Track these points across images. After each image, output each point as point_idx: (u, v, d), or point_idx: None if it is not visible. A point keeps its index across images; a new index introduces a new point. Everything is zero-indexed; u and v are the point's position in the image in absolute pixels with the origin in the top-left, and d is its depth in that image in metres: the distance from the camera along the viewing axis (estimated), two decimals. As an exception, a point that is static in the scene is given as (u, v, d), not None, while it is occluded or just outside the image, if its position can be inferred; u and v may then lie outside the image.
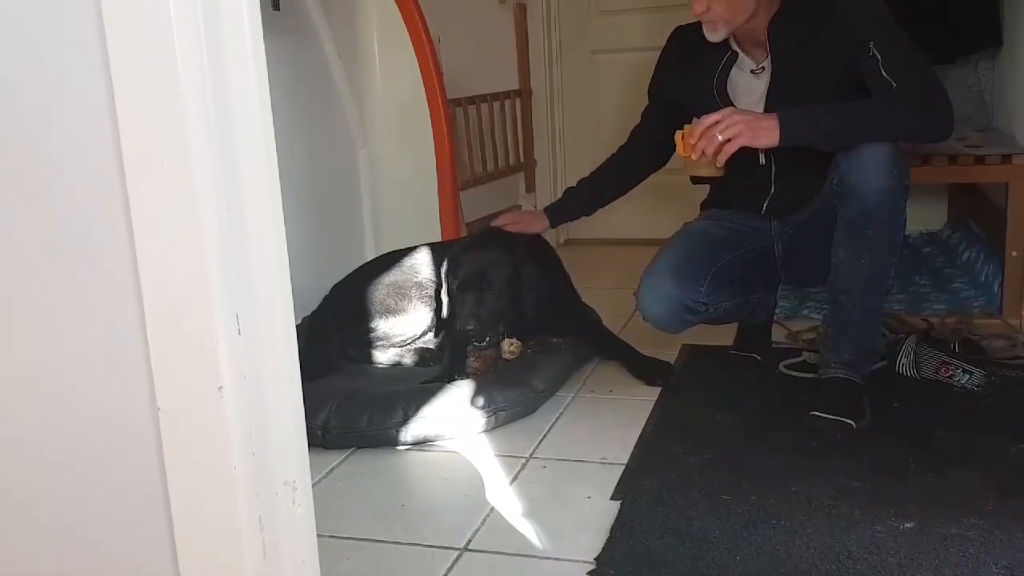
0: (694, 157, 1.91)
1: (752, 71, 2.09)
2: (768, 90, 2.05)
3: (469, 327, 2.19)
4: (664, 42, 2.33)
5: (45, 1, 1.04)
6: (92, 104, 1.04)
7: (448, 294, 2.32)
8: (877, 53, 1.88)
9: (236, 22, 1.00)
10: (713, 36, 2.03)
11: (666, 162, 2.33)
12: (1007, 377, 2.09)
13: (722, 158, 1.88)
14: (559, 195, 4.29)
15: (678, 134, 1.96)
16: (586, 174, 2.45)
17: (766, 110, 2.01)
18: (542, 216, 2.41)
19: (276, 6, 2.50)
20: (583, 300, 2.55)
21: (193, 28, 0.97)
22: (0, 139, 1.10)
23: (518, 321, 2.29)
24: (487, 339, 2.23)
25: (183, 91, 0.97)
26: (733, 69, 2.11)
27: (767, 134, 1.85)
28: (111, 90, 1.01)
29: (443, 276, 2.35)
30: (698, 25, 2.19)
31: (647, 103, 2.38)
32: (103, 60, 1.00)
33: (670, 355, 2.40)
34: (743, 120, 1.86)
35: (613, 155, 2.42)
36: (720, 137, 1.86)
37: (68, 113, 1.06)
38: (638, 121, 2.39)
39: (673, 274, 2.08)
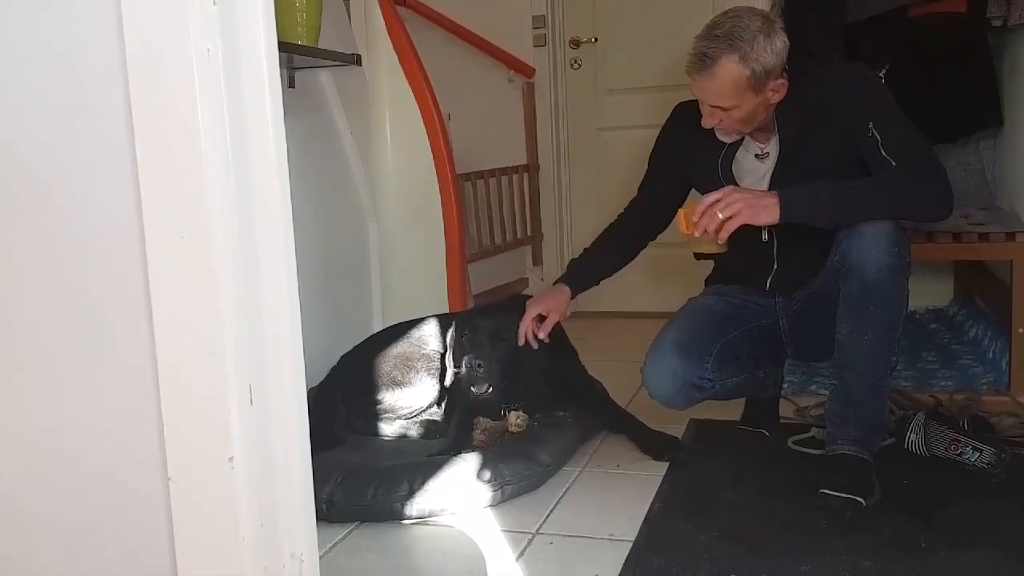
0: (696, 234, 1.94)
1: (757, 155, 2.12)
2: (773, 171, 2.08)
3: (481, 390, 2.18)
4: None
5: (75, 85, 1.08)
6: (116, 181, 1.07)
7: (452, 357, 2.32)
8: (877, 133, 1.91)
9: (258, 103, 1.04)
10: (725, 139, 2.08)
11: (663, 230, 2.35)
12: (1017, 455, 2.07)
13: (724, 235, 1.90)
14: (565, 268, 4.35)
15: (680, 212, 1.99)
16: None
17: (770, 189, 2.04)
18: (563, 290, 2.36)
19: (292, 84, 2.57)
20: (589, 374, 2.55)
21: (217, 108, 1.00)
22: (25, 212, 1.13)
23: (525, 392, 2.29)
24: (488, 388, 2.21)
25: (205, 167, 1.00)
26: (739, 151, 2.14)
27: (767, 212, 1.88)
28: (135, 166, 1.04)
29: (448, 341, 2.35)
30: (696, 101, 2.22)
31: (645, 174, 2.39)
32: (128, 137, 1.03)
33: (677, 429, 2.39)
34: (743, 198, 1.88)
35: (613, 227, 2.41)
36: (721, 215, 1.88)
37: (92, 188, 1.09)
38: (640, 187, 2.39)
39: (678, 351, 2.08)
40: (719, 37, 1.91)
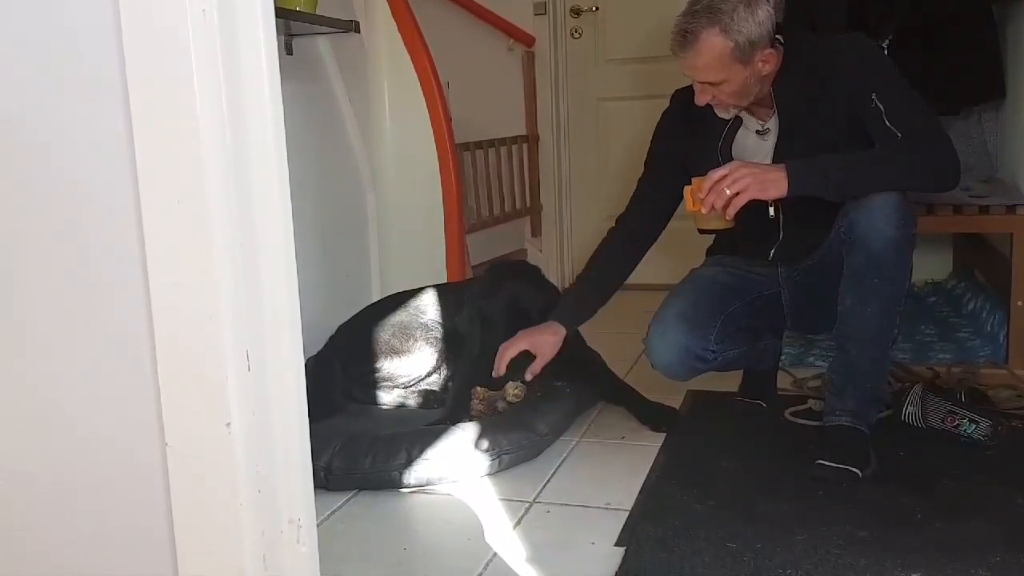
0: (704, 211, 1.92)
1: (758, 131, 2.09)
2: (775, 148, 2.05)
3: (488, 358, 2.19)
4: (666, 93, 2.32)
5: (69, 48, 1.07)
6: (111, 146, 1.06)
7: (454, 334, 2.33)
8: (880, 104, 1.90)
9: (255, 67, 1.02)
10: (722, 114, 2.05)
11: (660, 234, 2.27)
12: (1013, 427, 2.08)
13: (731, 211, 1.88)
14: (564, 238, 4.33)
15: (687, 188, 1.96)
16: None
17: (774, 162, 2.02)
18: (556, 330, 2.22)
19: (289, 51, 2.54)
20: (587, 344, 2.55)
21: (213, 72, 0.99)
22: (19, 178, 1.12)
23: (523, 363, 2.29)
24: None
25: (201, 131, 0.99)
26: (739, 131, 2.10)
27: (775, 186, 1.86)
28: (130, 131, 1.03)
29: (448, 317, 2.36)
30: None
31: (641, 177, 2.31)
32: (123, 101, 1.02)
33: (675, 400, 2.40)
34: (751, 173, 1.87)
35: (610, 243, 2.28)
36: (728, 191, 1.87)
37: (87, 153, 1.08)
38: (637, 185, 2.29)
39: (683, 322, 2.08)
40: (698, 12, 1.90)
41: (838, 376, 2.00)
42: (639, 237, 2.27)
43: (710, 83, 1.95)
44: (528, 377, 2.22)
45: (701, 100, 2.00)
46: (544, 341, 2.22)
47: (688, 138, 2.18)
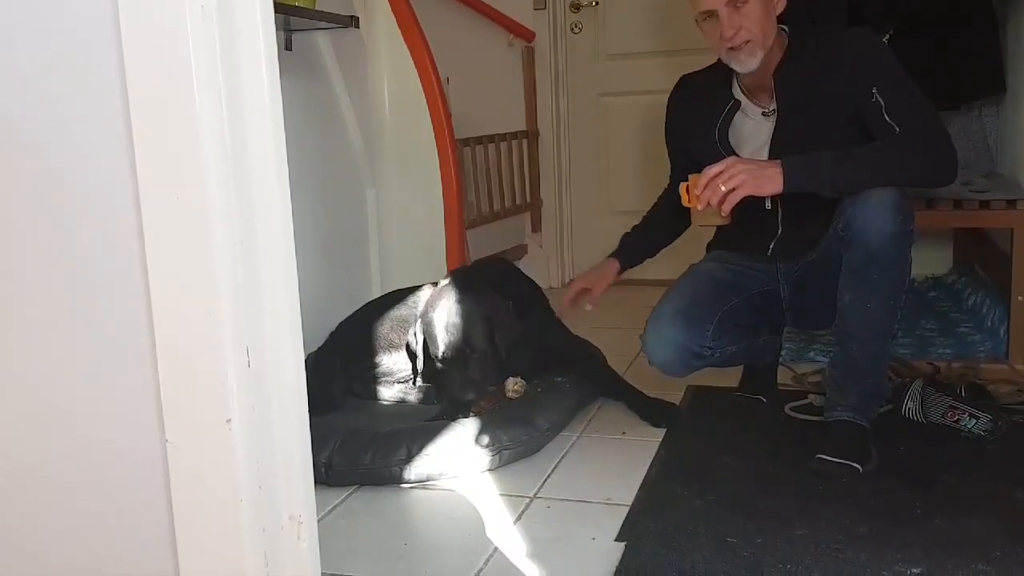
0: (699, 207, 1.93)
1: (764, 113, 2.09)
2: (773, 135, 2.06)
3: (468, 398, 2.18)
4: (667, 89, 2.34)
5: (69, 45, 1.07)
6: (110, 142, 1.05)
7: (424, 357, 2.31)
8: (880, 98, 1.90)
9: (254, 65, 1.02)
10: (750, 62, 2.00)
11: None
12: (1014, 422, 2.08)
13: (727, 207, 1.88)
14: (564, 234, 4.33)
15: (682, 185, 1.98)
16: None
17: (771, 156, 2.03)
18: (612, 265, 2.36)
19: (289, 47, 2.54)
20: (587, 340, 2.55)
21: (212, 70, 0.99)
22: (19, 176, 1.12)
23: (526, 360, 2.29)
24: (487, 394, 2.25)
25: (201, 128, 0.99)
26: (736, 115, 2.12)
27: (771, 182, 1.86)
28: (129, 127, 1.03)
29: (416, 335, 2.32)
30: (703, 73, 2.21)
31: (668, 156, 2.38)
32: (122, 98, 1.02)
33: (675, 396, 2.40)
34: (746, 169, 1.87)
35: (656, 207, 2.42)
36: (724, 187, 1.87)
37: (87, 151, 1.08)
38: (648, 163, 2.39)
39: (680, 319, 2.08)
40: None
41: (838, 372, 2.00)
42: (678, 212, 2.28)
43: (734, 5, 1.94)
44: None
45: (729, 32, 1.96)
46: (599, 276, 2.35)
47: (688, 121, 2.20)
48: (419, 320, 2.32)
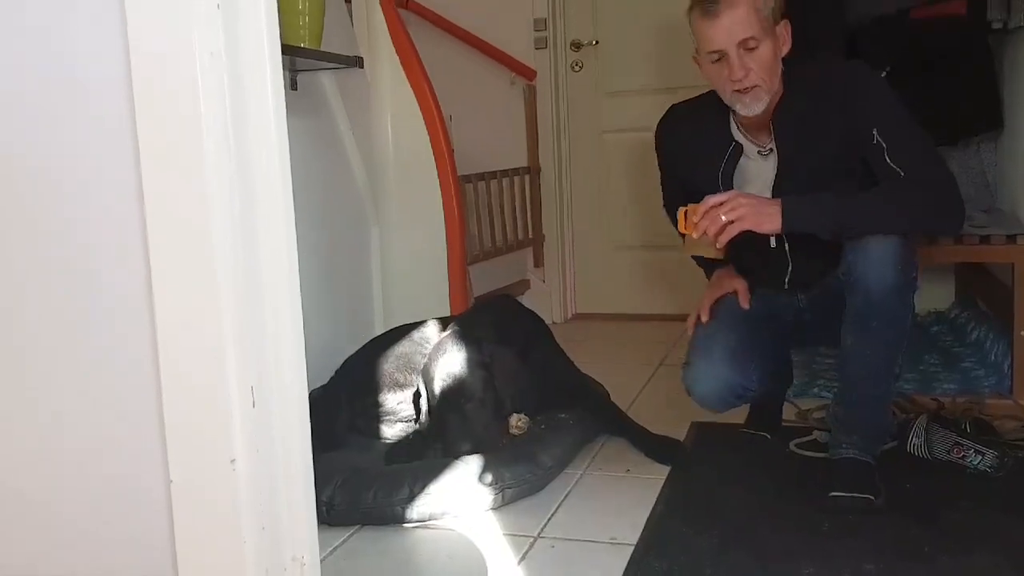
0: (695, 235, 1.91)
1: (760, 152, 2.06)
2: (776, 176, 2.03)
3: (464, 449, 2.14)
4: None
5: (80, 88, 1.08)
6: (119, 183, 1.07)
7: (428, 405, 2.28)
8: (882, 140, 1.87)
9: (261, 107, 1.04)
10: (754, 107, 1.95)
11: None
12: (1020, 459, 2.07)
13: (724, 239, 1.87)
14: (567, 269, 4.34)
15: (681, 211, 1.96)
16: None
17: (774, 196, 1.99)
18: (729, 269, 2.23)
19: (294, 86, 2.57)
20: (590, 376, 2.54)
21: (220, 111, 1.00)
22: (29, 213, 1.13)
23: (529, 396, 2.28)
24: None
25: (208, 170, 1.00)
26: (741, 159, 2.07)
27: (770, 220, 1.85)
28: (138, 168, 1.04)
29: (420, 388, 2.31)
30: (693, 104, 2.18)
31: (661, 180, 2.33)
32: (132, 139, 1.03)
33: (679, 433, 2.39)
34: (748, 204, 1.86)
35: None
36: (724, 218, 1.86)
37: (96, 191, 1.09)
38: (649, 198, 2.33)
39: (729, 359, 2.04)
40: None
41: (842, 410, 1.99)
42: None
43: (746, 45, 1.89)
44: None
45: (738, 75, 1.90)
46: (731, 280, 2.20)
47: (687, 157, 2.16)
48: (420, 375, 2.31)
